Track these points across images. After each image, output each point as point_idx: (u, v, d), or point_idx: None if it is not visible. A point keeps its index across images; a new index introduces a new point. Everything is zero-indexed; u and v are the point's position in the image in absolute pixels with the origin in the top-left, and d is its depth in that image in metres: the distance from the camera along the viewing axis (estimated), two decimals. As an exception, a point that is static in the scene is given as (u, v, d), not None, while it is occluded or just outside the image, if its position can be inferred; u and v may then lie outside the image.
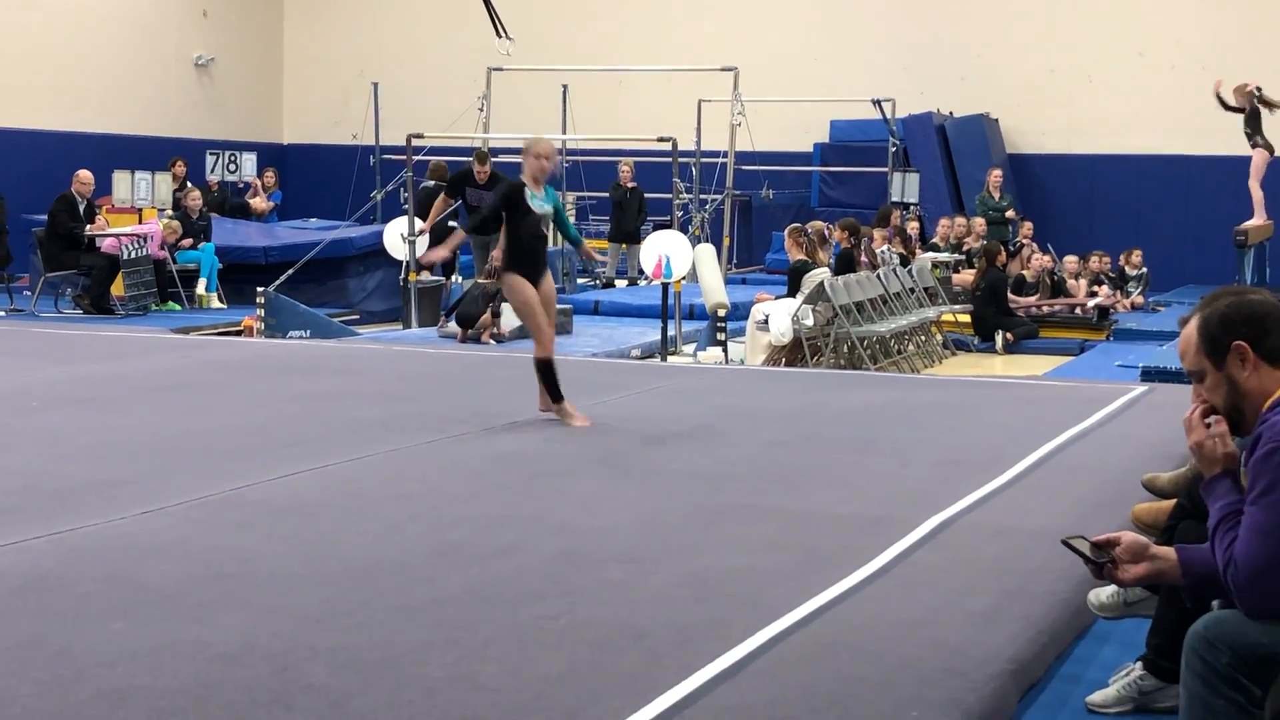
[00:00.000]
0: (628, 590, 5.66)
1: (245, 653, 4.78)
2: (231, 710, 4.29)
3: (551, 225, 9.79)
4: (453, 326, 15.18)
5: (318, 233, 19.17)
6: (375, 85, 21.98)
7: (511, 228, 9.42)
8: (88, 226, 16.72)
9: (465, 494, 7.39)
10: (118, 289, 16.61)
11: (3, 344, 13.39)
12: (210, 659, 4.71)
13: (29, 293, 17.15)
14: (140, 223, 17.49)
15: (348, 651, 4.82)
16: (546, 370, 9.46)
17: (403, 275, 17.05)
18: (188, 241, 17.78)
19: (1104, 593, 5.12)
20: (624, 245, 21.29)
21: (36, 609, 5.21)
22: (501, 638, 5.03)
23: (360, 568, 5.89)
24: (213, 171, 21.75)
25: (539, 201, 9.49)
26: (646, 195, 21.19)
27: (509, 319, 14.97)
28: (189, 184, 19.57)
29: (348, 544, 6.28)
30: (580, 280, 20.66)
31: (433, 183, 18.09)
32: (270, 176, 22.79)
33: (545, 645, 4.98)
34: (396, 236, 17.31)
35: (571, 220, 12.38)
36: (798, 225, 15.69)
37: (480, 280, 15.40)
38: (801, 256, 15.11)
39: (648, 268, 15.55)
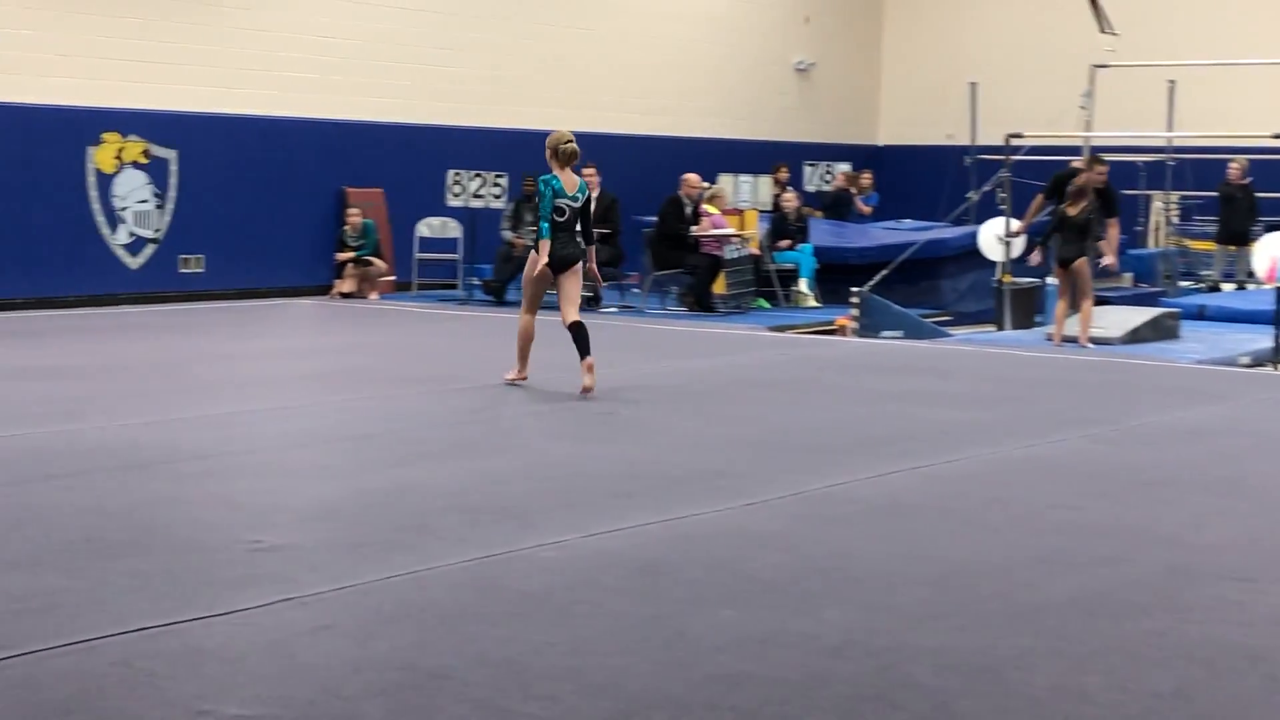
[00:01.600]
0: (1242, 610, 5.38)
1: (849, 647, 4.85)
2: (837, 704, 4.36)
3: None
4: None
5: (911, 233, 19.22)
6: (973, 84, 21.83)
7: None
8: (693, 228, 17.40)
9: (1067, 500, 7.22)
10: (719, 287, 17.22)
11: (613, 339, 14.15)
12: (816, 651, 4.80)
13: (638, 290, 18.05)
14: (742, 226, 18.04)
15: (950, 653, 4.80)
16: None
17: (996, 277, 16.86)
18: (786, 242, 18.25)
19: None
20: (1232, 246, 20.24)
21: (652, 592, 5.47)
22: (1107, 650, 4.89)
23: (960, 570, 5.86)
24: (810, 183, 22.53)
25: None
26: (1258, 195, 20.07)
27: (1116, 322, 14.53)
28: (788, 187, 20.05)
29: (946, 545, 6.27)
30: (1184, 284, 19.82)
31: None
32: (867, 178, 23.06)
33: (1153, 661, 4.80)
34: (991, 237, 17.14)
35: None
36: None
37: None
38: None
39: (1259, 270, 14.74)
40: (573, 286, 10.45)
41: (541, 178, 10.32)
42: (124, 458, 7.73)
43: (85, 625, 4.86)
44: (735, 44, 23.50)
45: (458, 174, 17.76)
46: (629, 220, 18.30)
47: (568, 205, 10.33)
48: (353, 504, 6.83)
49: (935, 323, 16.83)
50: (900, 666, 4.67)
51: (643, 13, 21.94)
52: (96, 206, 16.08)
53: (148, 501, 6.76)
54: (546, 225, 10.23)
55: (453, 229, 18.55)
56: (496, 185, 17.76)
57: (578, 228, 10.40)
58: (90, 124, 15.99)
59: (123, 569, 5.57)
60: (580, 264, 10.45)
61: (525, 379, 10.44)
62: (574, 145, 10.28)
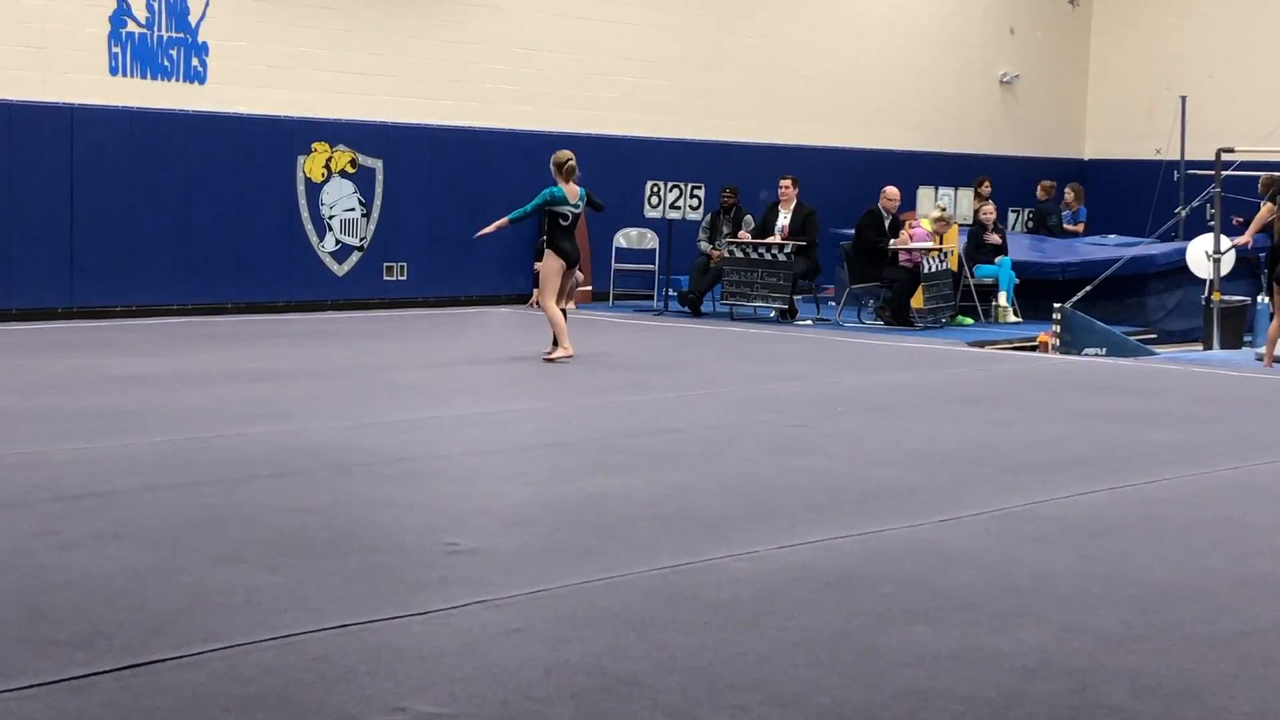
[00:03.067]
0: None
1: (1043, 667, 4.76)
2: (1030, 723, 4.29)
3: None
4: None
5: (1116, 249, 18.82)
6: (1182, 98, 21.34)
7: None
8: (892, 241, 17.27)
9: (1274, 524, 7.01)
10: (917, 302, 17.06)
11: (808, 351, 14.11)
12: (1009, 670, 4.72)
13: (834, 303, 17.97)
14: (942, 241, 17.83)
15: (1148, 676, 4.69)
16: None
17: (1205, 295, 16.44)
18: (993, 237, 17.96)
19: None
20: None
21: (843, 605, 5.43)
22: (1315, 680, 4.73)
23: (1160, 592, 5.72)
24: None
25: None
26: None
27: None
28: (989, 200, 19.77)
29: (1147, 567, 6.13)
30: None
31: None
32: (1071, 193, 22.63)
33: (1365, 693, 4.63)
34: (1201, 254, 16.71)
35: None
36: None
37: None
38: None
39: None
40: (569, 280, 12.63)
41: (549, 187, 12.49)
42: (327, 459, 7.93)
43: (287, 621, 4.99)
44: (938, 56, 23.24)
45: (655, 185, 17.87)
46: (826, 233, 18.21)
47: (571, 211, 12.51)
48: (547, 510, 6.91)
49: (1140, 340, 16.47)
50: (1096, 688, 4.58)
51: (843, 26, 21.83)
52: (305, 215, 16.53)
53: (349, 502, 6.92)
54: (519, 211, 12.73)
55: (650, 240, 18.68)
56: (694, 197, 17.82)
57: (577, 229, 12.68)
58: (300, 134, 16.44)
59: (324, 567, 5.71)
60: (578, 260, 12.69)
61: (571, 355, 12.23)
62: (574, 164, 12.51)
